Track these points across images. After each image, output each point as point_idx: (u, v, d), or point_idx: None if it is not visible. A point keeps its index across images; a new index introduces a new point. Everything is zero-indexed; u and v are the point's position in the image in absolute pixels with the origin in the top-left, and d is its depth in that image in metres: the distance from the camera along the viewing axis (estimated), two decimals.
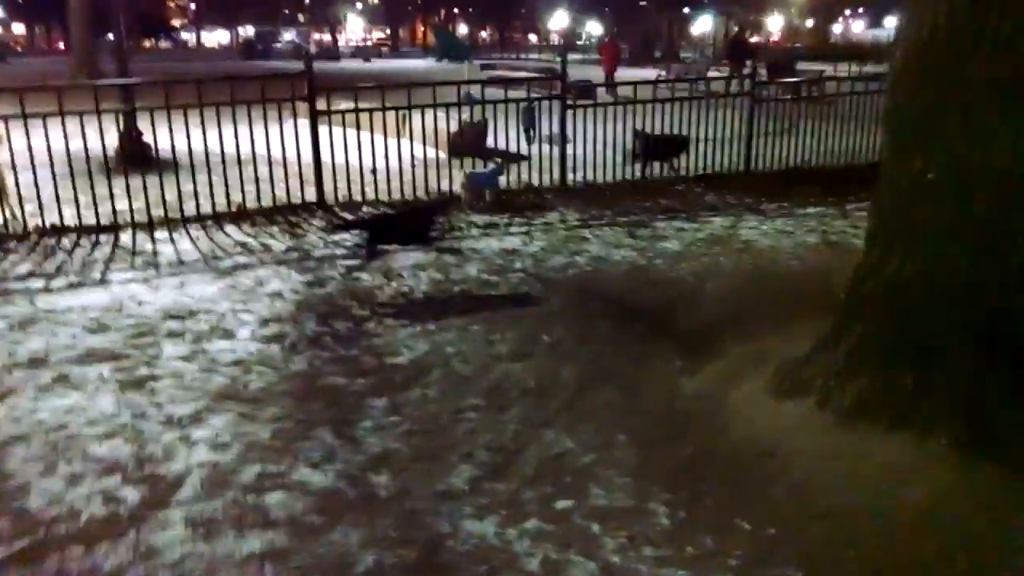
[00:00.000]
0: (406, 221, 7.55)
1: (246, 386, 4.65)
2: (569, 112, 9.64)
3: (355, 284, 6.41)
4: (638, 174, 10.15)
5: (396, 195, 9.05)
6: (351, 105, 8.82)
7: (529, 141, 11.42)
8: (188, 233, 7.87)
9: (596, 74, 25.01)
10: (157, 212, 8.14)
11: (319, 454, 3.94)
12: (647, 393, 4.64)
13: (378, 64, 47.04)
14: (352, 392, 4.61)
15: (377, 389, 4.64)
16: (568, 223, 8.35)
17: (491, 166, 9.28)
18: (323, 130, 8.77)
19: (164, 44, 77.91)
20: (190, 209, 8.37)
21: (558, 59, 9.85)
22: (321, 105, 8.76)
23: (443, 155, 10.97)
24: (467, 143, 11.02)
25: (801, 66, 26.12)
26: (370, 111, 8.79)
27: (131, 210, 8.07)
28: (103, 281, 6.46)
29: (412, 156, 9.40)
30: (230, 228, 8.05)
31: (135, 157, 10.68)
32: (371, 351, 5.15)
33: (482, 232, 8.01)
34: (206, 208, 8.39)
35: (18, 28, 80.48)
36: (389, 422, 4.27)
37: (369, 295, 6.14)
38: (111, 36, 13.00)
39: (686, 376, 4.87)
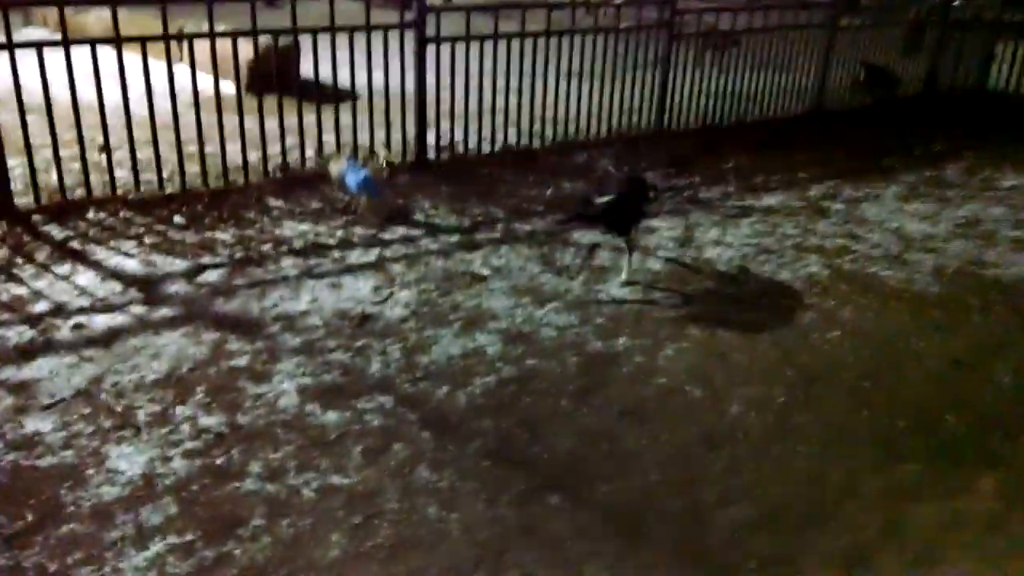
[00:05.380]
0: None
1: None
2: (429, 48, 6.00)
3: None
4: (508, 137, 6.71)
5: (149, 176, 5.20)
6: None
7: None
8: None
9: None
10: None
11: None
12: None
13: None
14: None
15: None
16: (444, 238, 4.91)
17: (353, 164, 5.15)
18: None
19: None
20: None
21: None
22: None
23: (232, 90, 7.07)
24: (268, 74, 7.08)
25: None
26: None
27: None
28: None
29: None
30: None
31: None
32: None
33: (302, 262, 4.44)
34: None
35: None
36: None
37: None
38: None
39: None
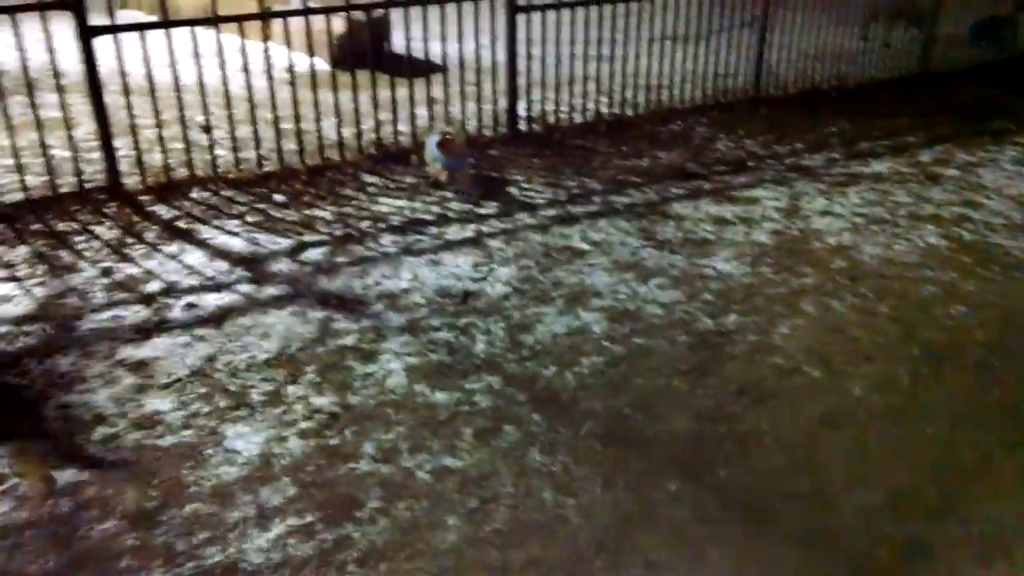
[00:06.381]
0: None
1: None
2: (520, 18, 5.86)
3: None
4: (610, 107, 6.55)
5: (247, 153, 5.25)
6: None
7: None
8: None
9: None
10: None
11: None
12: None
13: None
14: None
15: None
16: (540, 211, 4.82)
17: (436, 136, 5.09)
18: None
19: None
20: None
21: None
22: None
23: (326, 67, 7.05)
24: (357, 49, 7.05)
25: None
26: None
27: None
28: None
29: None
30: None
31: None
32: None
33: (401, 239, 4.42)
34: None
35: None
36: None
37: None
38: None
39: None
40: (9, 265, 4.05)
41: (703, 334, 3.54)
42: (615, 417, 3.00)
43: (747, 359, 3.38)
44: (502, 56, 5.82)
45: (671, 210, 4.85)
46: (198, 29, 4.79)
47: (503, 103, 5.98)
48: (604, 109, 6.48)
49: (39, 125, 4.60)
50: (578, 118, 6.32)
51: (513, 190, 5.11)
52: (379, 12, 6.92)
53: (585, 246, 4.36)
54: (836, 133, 6.33)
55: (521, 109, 6.09)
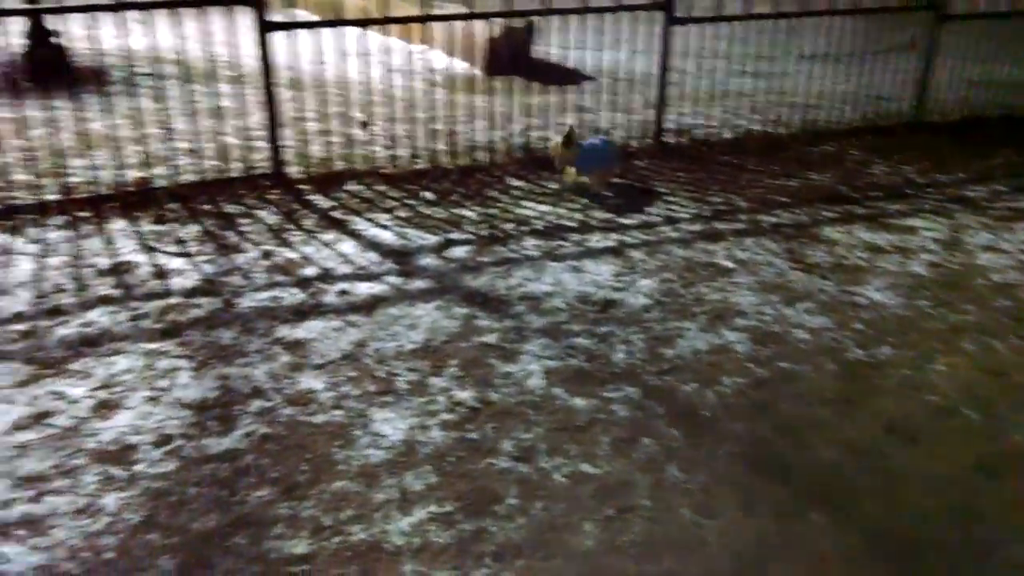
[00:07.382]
0: None
1: None
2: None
3: None
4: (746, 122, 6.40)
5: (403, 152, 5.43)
6: None
7: None
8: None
9: None
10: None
11: None
12: None
13: None
14: None
15: None
16: (683, 226, 4.77)
17: (599, 138, 5.23)
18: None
19: None
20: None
21: None
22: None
23: (480, 72, 7.17)
24: (507, 55, 7.15)
25: None
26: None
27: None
28: None
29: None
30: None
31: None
32: None
33: (544, 243, 4.46)
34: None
35: None
36: None
37: None
38: None
39: None
40: (181, 241, 4.34)
41: (852, 364, 3.42)
42: (757, 440, 2.93)
43: (899, 394, 3.23)
44: (653, 67, 5.79)
45: (821, 233, 4.70)
46: (362, 29, 4.99)
47: (651, 114, 5.95)
48: (754, 126, 6.34)
49: (215, 113, 4.91)
50: (727, 134, 6.21)
51: (657, 202, 5.07)
52: (532, 21, 7.01)
53: (729, 264, 4.28)
54: (1002, 164, 5.97)
55: (669, 122, 6.04)
